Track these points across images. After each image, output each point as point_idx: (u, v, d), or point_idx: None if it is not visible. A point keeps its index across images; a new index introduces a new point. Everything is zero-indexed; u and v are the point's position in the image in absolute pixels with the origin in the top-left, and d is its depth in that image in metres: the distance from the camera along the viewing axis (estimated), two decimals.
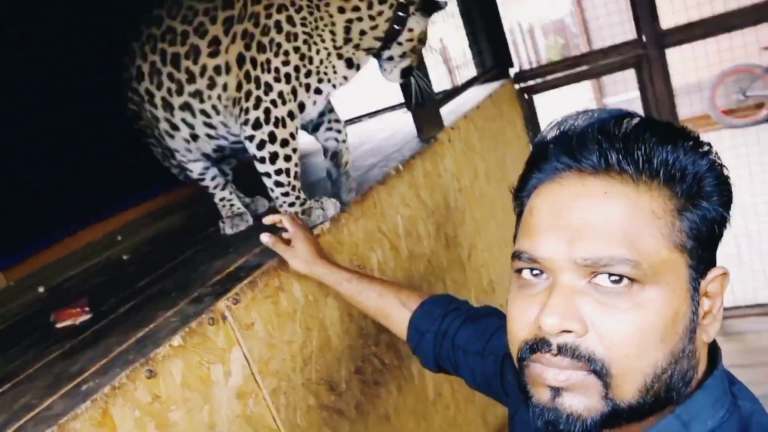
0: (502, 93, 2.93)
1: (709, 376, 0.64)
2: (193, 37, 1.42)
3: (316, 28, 1.41)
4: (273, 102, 1.37)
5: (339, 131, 1.61)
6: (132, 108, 1.62)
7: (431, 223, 1.92)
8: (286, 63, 1.37)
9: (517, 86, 3.19)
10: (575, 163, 0.62)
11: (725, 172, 0.62)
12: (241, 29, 1.38)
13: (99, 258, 1.91)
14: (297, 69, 1.39)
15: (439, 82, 2.73)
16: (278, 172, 1.40)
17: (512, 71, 3.20)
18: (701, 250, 0.61)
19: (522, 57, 8.64)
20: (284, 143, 1.39)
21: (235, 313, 1.14)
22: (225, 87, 1.41)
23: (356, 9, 1.42)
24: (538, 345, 0.61)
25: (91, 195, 2.37)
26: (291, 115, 1.39)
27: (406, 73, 1.59)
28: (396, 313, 1.16)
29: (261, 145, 1.38)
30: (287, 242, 1.28)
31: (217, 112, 1.46)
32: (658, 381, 0.59)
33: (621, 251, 0.57)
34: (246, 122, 1.38)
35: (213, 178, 1.66)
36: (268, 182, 1.42)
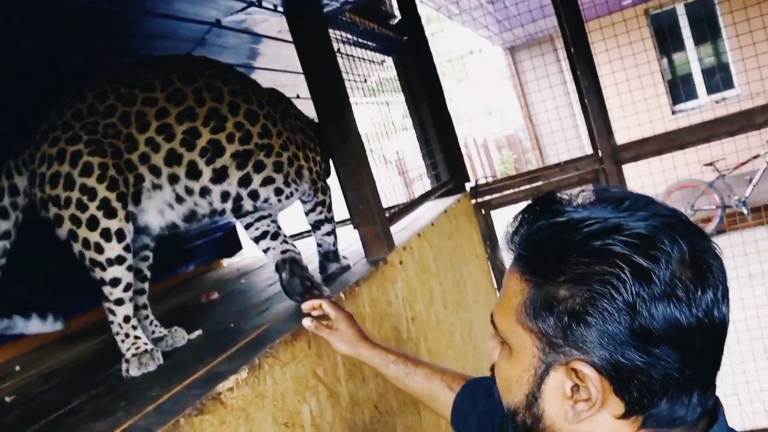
0: (458, 208, 2.77)
1: None
2: None
3: None
4: None
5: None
6: None
7: None
8: None
9: (473, 201, 3.05)
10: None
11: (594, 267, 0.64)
12: None
13: None
14: None
15: (394, 195, 2.56)
16: None
17: (468, 186, 3.07)
18: (553, 337, 0.66)
19: (478, 171, 8.76)
20: None
21: None
22: None
23: None
24: None
25: None
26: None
27: None
28: (443, 395, 1.18)
29: None
30: (329, 325, 1.30)
31: None
32: (513, 418, 0.74)
33: (496, 318, 0.75)
34: None
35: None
36: None
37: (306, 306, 1.34)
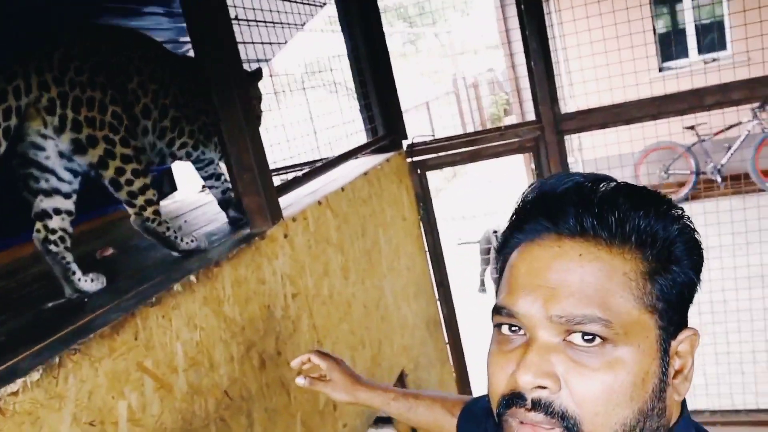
0: (384, 169, 2.65)
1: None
2: None
3: None
4: None
5: None
6: None
7: (238, 344, 1.58)
8: None
9: (409, 160, 2.93)
10: (553, 226, 0.65)
11: (696, 237, 0.65)
12: None
13: None
14: None
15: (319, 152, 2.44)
16: None
17: (405, 144, 2.94)
18: (671, 311, 0.63)
19: (466, 116, 8.47)
20: None
21: None
22: None
23: None
24: (513, 399, 0.62)
25: None
26: None
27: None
28: (446, 423, 1.18)
29: None
30: (322, 377, 1.29)
31: None
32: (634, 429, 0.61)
33: (594, 310, 0.59)
34: None
35: None
36: None
37: (295, 363, 1.32)
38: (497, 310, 0.67)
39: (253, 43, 2.58)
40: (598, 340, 0.60)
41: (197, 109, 1.84)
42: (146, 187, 1.57)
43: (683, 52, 6.95)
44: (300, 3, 2.72)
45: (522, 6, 2.59)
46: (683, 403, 0.68)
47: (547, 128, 2.64)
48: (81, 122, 1.43)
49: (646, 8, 6.19)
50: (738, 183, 5.96)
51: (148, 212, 1.59)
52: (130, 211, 1.58)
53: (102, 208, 2.75)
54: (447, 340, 3.09)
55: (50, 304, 1.52)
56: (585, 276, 0.61)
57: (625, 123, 2.54)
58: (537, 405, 0.61)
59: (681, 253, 0.63)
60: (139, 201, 1.56)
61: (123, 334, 1.26)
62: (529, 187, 0.71)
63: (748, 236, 3.99)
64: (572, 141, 5.75)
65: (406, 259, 2.73)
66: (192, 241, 1.71)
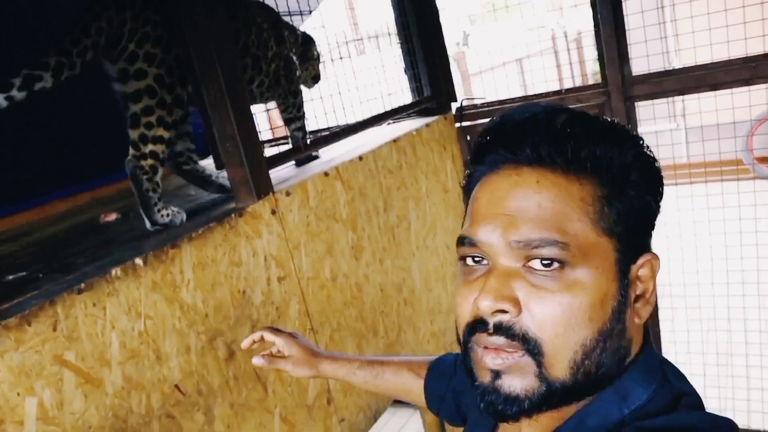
0: (424, 134, 2.37)
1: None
2: None
3: None
4: None
5: None
6: None
7: (198, 333, 1.43)
8: None
9: (458, 125, 2.63)
10: (512, 155, 0.66)
11: (655, 164, 0.67)
12: None
13: None
14: None
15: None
16: None
17: (454, 106, 2.63)
18: (630, 235, 0.64)
19: (564, 72, 7.77)
20: None
21: None
22: None
23: None
24: (476, 325, 0.64)
25: None
26: None
27: None
28: (414, 386, 1.15)
29: None
30: (281, 353, 1.22)
31: None
32: (588, 358, 0.62)
33: (551, 234, 0.61)
34: None
35: None
36: None
37: (245, 344, 1.24)
38: (461, 241, 0.68)
39: None
40: (556, 265, 0.61)
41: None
42: (161, 139, 1.55)
43: None
44: None
45: None
46: (646, 331, 0.70)
47: (614, 93, 2.24)
48: (138, 54, 1.51)
49: None
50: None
51: (147, 162, 1.54)
52: (131, 151, 1.54)
53: (117, 174, 2.70)
54: None
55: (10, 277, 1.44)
56: (542, 202, 0.62)
57: (711, 89, 2.09)
58: (498, 329, 0.62)
59: (637, 178, 0.64)
60: (146, 148, 1.55)
61: (37, 324, 1.14)
62: (491, 119, 0.71)
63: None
64: (674, 105, 5.07)
65: (445, 235, 2.47)
66: (167, 215, 1.57)
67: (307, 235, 1.76)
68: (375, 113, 2.29)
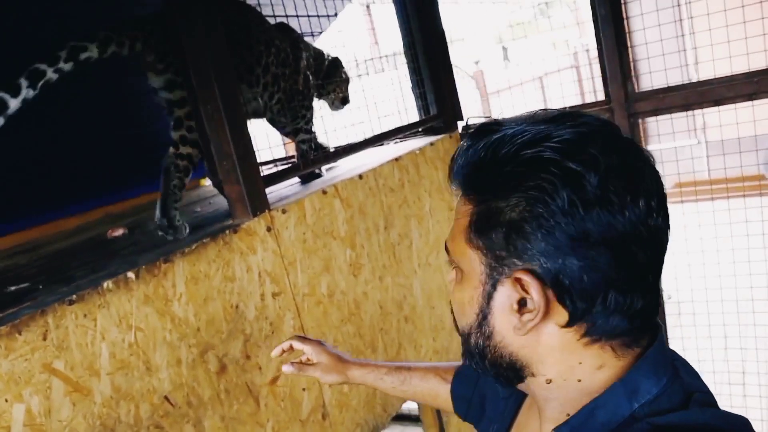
0: (428, 153, 2.40)
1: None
2: None
3: None
4: None
5: None
6: None
7: (189, 346, 1.46)
8: None
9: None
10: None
11: (532, 182, 0.65)
12: None
13: None
14: None
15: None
16: None
17: (460, 125, 2.66)
18: (497, 249, 0.67)
19: (585, 87, 7.75)
20: None
21: None
22: None
23: None
24: None
25: None
26: None
27: None
28: (442, 390, 1.18)
29: None
30: (309, 361, 1.27)
31: None
32: (467, 341, 0.75)
33: (448, 243, 0.75)
34: None
35: None
36: None
37: (275, 352, 1.30)
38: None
39: (297, 16, 2.44)
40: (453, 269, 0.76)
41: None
42: (196, 144, 1.71)
43: None
44: None
45: None
46: (657, 328, 0.71)
47: (617, 110, 2.24)
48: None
49: None
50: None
51: (182, 162, 1.71)
52: (171, 150, 1.72)
53: (130, 190, 2.77)
54: None
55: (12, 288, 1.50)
56: (454, 218, 0.74)
57: (714, 104, 2.07)
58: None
59: (506, 193, 0.66)
60: (184, 149, 1.71)
61: (27, 333, 1.18)
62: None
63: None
64: (694, 119, 4.99)
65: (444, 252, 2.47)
66: (180, 220, 1.65)
67: (304, 252, 1.79)
68: (379, 132, 2.32)
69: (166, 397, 1.41)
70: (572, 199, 0.62)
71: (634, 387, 0.66)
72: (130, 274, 1.36)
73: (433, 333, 2.35)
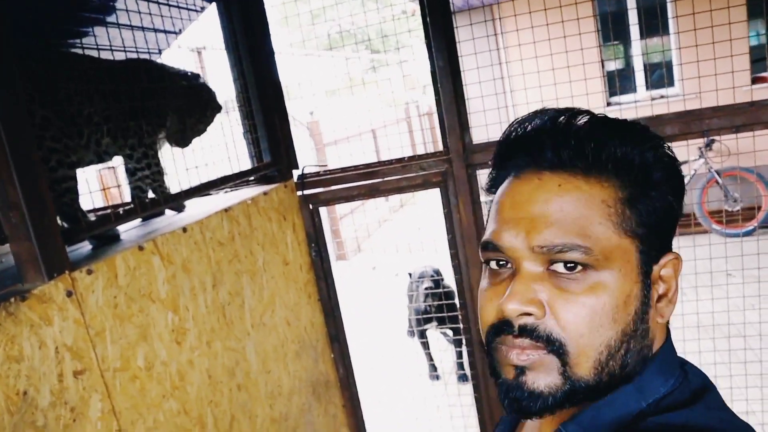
0: (261, 203, 2.24)
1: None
2: None
3: None
4: None
5: None
6: None
7: None
8: None
9: (300, 193, 2.53)
10: (532, 160, 0.67)
11: (676, 164, 0.66)
12: None
13: None
14: None
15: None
16: None
17: (296, 174, 2.54)
18: (652, 236, 0.65)
19: (417, 143, 8.12)
20: None
21: None
22: None
23: None
24: (502, 327, 0.65)
25: None
26: None
27: None
28: None
29: None
30: None
31: None
32: (612, 358, 0.63)
33: (573, 239, 0.62)
34: None
35: None
36: None
37: None
38: (485, 246, 0.68)
39: (132, 27, 2.19)
40: (579, 267, 0.62)
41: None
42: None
43: (631, 88, 6.71)
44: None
45: (426, 17, 2.23)
46: (667, 329, 0.71)
47: (456, 161, 2.27)
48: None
49: (593, 38, 5.91)
50: (687, 223, 5.66)
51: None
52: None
53: None
54: (343, 403, 2.66)
55: None
56: (564, 206, 0.63)
57: None
58: (523, 331, 0.64)
59: (659, 179, 0.64)
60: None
61: None
62: (510, 124, 0.71)
63: (698, 279, 3.66)
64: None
65: (286, 311, 2.30)
66: None
67: (114, 319, 1.52)
68: (204, 181, 2.12)
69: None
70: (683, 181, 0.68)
71: (642, 386, 0.66)
72: None
73: (270, 400, 2.15)
